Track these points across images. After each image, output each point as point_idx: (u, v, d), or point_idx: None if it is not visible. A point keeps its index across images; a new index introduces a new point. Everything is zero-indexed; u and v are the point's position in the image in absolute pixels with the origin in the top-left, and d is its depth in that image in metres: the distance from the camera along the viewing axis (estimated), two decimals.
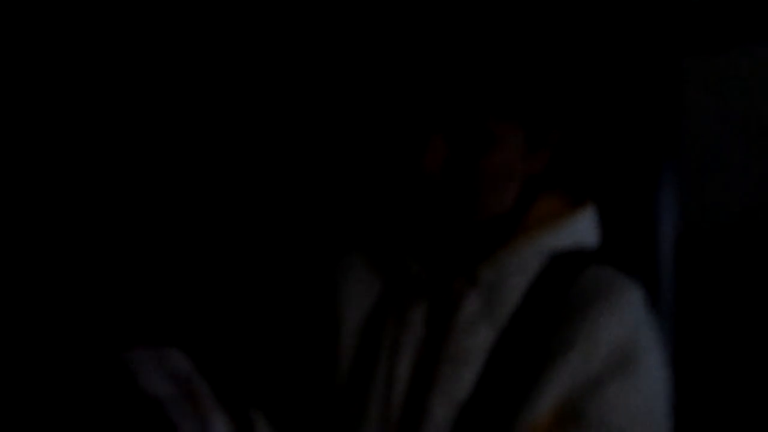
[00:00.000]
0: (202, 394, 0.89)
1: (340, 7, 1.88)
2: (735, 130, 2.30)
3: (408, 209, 0.97)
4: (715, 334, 2.26)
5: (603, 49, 1.74)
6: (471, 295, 0.93)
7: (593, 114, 1.74)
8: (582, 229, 0.97)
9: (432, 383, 0.90)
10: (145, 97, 2.00)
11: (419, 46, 0.90)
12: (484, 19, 0.90)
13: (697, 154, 2.31)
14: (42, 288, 1.95)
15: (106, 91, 1.99)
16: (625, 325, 0.89)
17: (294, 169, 1.97)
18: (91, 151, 2.00)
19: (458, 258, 0.95)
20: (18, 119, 1.97)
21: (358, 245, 1.09)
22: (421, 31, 0.92)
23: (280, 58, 1.98)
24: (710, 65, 2.29)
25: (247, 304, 1.93)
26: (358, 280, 1.04)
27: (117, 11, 1.98)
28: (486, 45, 0.88)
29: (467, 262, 0.94)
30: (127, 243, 1.99)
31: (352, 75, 1.87)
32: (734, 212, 2.30)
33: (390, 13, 1.74)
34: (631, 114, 1.76)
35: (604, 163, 1.77)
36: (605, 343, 0.87)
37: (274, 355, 1.17)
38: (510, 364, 0.89)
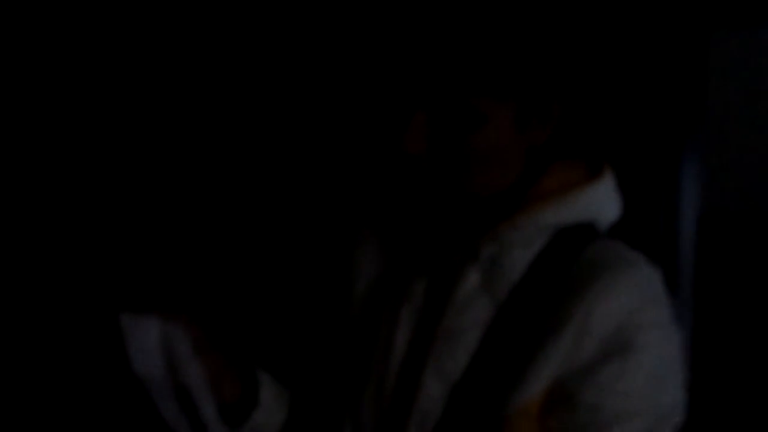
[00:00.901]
0: (194, 375, 0.88)
1: None
2: (761, 108, 2.26)
3: (401, 189, 0.95)
4: (733, 317, 2.24)
5: (609, 23, 1.70)
6: (471, 269, 0.90)
7: (601, 86, 1.70)
8: (592, 202, 0.91)
9: (426, 358, 0.88)
10: (145, 97, 1.99)
11: (398, 21, 0.86)
12: None
13: (721, 132, 2.28)
14: (42, 285, 1.96)
15: (106, 91, 1.99)
16: (624, 305, 0.84)
17: (303, 154, 1.97)
18: (91, 151, 1.99)
19: (459, 232, 0.92)
20: (18, 119, 1.97)
21: (366, 222, 1.08)
22: (401, 6, 0.87)
23: (270, 47, 1.97)
24: (738, 41, 2.25)
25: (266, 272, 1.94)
26: (365, 254, 1.03)
27: (117, 11, 1.97)
28: (467, 20, 0.83)
29: (469, 237, 0.91)
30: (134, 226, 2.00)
31: (336, 54, 1.86)
32: (757, 193, 2.27)
33: None
34: (655, 90, 1.73)
35: (624, 139, 1.74)
36: (601, 324, 0.83)
37: (290, 319, 1.17)
38: (506, 341, 0.86)
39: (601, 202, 0.92)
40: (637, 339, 0.83)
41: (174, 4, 1.96)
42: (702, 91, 1.78)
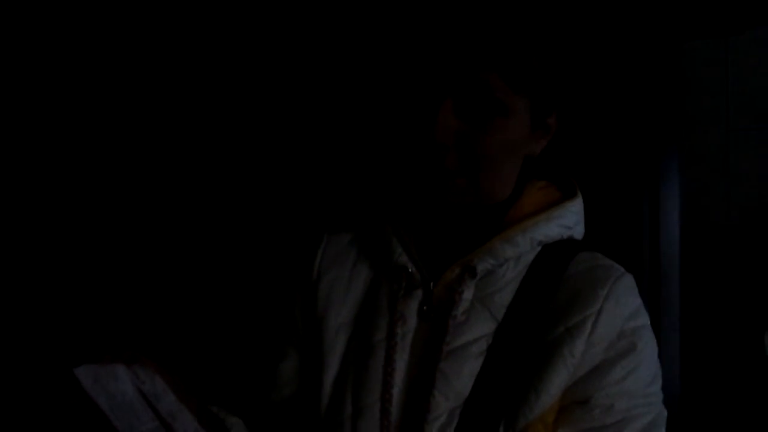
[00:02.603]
0: (189, 424, 0.82)
1: None
2: (738, 115, 2.28)
3: (410, 183, 0.93)
4: (718, 326, 2.24)
5: (605, 31, 1.71)
6: (466, 285, 0.90)
7: (591, 98, 1.71)
8: (573, 219, 0.96)
9: (433, 379, 0.87)
10: (145, 97, 1.98)
11: (429, 8, 0.88)
12: None
13: (699, 140, 2.28)
14: (31, 288, 1.92)
15: (106, 91, 1.98)
16: (624, 312, 0.89)
17: (283, 158, 1.95)
18: (91, 151, 1.98)
19: (450, 245, 0.93)
20: (18, 119, 1.96)
21: (335, 233, 1.05)
22: None
23: (281, 38, 1.96)
24: (712, 49, 2.26)
25: (229, 303, 1.91)
26: (339, 274, 1.00)
27: (117, 11, 1.97)
28: (496, 10, 0.86)
29: (459, 251, 0.92)
30: (111, 244, 1.97)
31: (360, 43, 1.85)
32: (738, 203, 2.27)
33: None
34: (633, 102, 1.73)
35: (603, 154, 1.74)
36: (608, 330, 0.88)
37: (254, 355, 1.13)
38: (512, 356, 0.87)
39: (578, 218, 0.97)
40: (637, 341, 0.88)
41: (174, 4, 1.96)
42: (680, 103, 1.79)
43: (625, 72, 1.73)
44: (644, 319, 0.91)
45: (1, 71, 1.94)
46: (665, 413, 0.91)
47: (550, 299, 0.90)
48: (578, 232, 0.97)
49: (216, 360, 1.83)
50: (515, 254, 0.91)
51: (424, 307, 0.91)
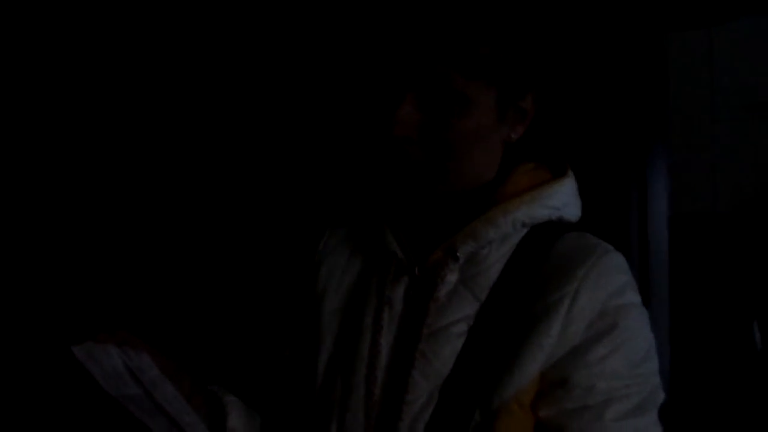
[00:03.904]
0: (170, 394, 0.88)
1: None
2: (723, 105, 2.29)
3: (385, 177, 0.95)
4: (708, 315, 2.25)
5: (589, 21, 1.71)
6: (450, 268, 0.91)
7: (577, 88, 1.72)
8: (561, 200, 0.95)
9: (413, 360, 0.88)
10: (145, 97, 1.98)
11: (381, 6, 0.89)
12: None
13: (684, 131, 2.29)
14: (31, 287, 1.92)
15: (106, 91, 1.98)
16: (606, 290, 0.87)
17: (274, 154, 1.95)
18: (91, 151, 1.98)
19: (435, 231, 0.94)
20: (18, 119, 1.96)
21: (336, 227, 1.09)
22: None
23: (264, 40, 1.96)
24: (695, 39, 2.27)
25: (230, 292, 1.92)
26: (336, 263, 1.03)
27: (117, 11, 1.96)
28: (454, 2, 0.87)
29: (444, 235, 0.93)
30: (112, 243, 1.97)
31: (322, 37, 1.86)
32: (724, 191, 2.29)
33: None
34: (617, 91, 1.74)
35: (589, 142, 1.74)
36: (587, 309, 0.86)
37: (258, 340, 1.16)
38: (491, 337, 0.88)
39: (567, 199, 0.96)
40: (620, 320, 0.86)
41: (174, 4, 1.96)
42: (664, 91, 1.79)
43: (611, 63, 1.73)
44: (631, 298, 0.89)
45: (1, 71, 1.93)
46: (660, 396, 0.89)
47: (533, 279, 0.89)
48: (570, 213, 0.96)
49: (225, 347, 1.84)
50: (498, 236, 0.91)
51: (411, 292, 0.93)
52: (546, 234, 0.92)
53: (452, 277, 0.91)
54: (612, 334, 0.85)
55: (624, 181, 1.74)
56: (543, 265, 0.89)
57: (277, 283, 1.31)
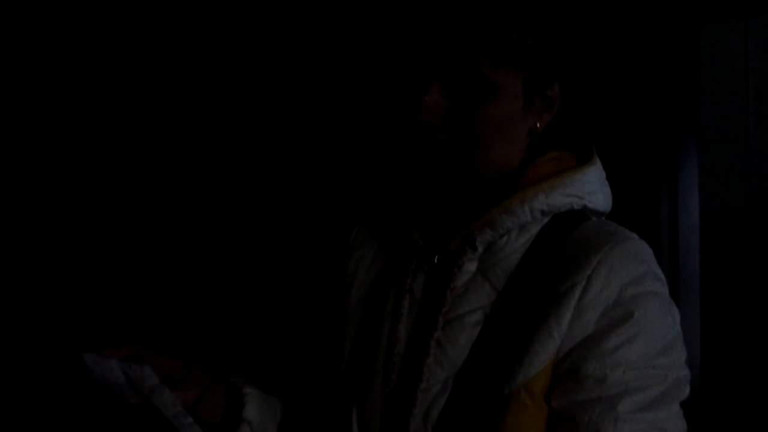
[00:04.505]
0: (168, 403, 0.89)
1: None
2: (758, 98, 2.25)
3: (408, 166, 0.94)
4: (739, 312, 2.22)
5: (623, 13, 1.69)
6: (468, 257, 0.91)
7: (601, 74, 1.69)
8: (583, 189, 0.92)
9: (428, 348, 0.88)
10: (145, 97, 1.99)
11: None
12: None
13: (719, 124, 2.26)
14: (40, 288, 1.94)
15: (108, 91, 1.99)
16: (622, 278, 0.83)
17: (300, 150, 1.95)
18: (91, 151, 1.99)
19: (456, 220, 0.93)
20: (18, 119, 1.97)
21: (366, 221, 1.10)
22: None
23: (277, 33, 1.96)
24: (730, 31, 2.23)
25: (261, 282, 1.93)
26: (364, 255, 1.04)
27: (117, 11, 1.97)
28: None
29: (464, 224, 0.92)
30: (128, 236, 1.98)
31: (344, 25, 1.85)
32: (758, 187, 2.25)
33: None
34: (649, 83, 1.71)
35: (622, 139, 1.72)
36: (601, 297, 0.83)
37: (288, 332, 1.18)
38: (507, 326, 0.86)
39: (591, 187, 0.93)
40: (636, 309, 0.83)
41: (174, 4, 1.96)
42: (696, 84, 1.77)
43: (644, 56, 1.71)
44: (650, 286, 0.85)
45: (1, 71, 1.94)
46: (684, 390, 0.85)
47: (549, 268, 0.87)
48: (596, 203, 0.93)
49: (252, 339, 1.86)
50: (515, 224, 0.89)
51: (430, 281, 0.93)
52: (567, 223, 0.90)
53: (471, 266, 0.90)
54: (627, 323, 0.82)
55: (655, 176, 1.72)
56: (560, 251, 0.87)
57: (308, 276, 1.31)
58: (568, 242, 0.88)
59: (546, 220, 0.91)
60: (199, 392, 0.94)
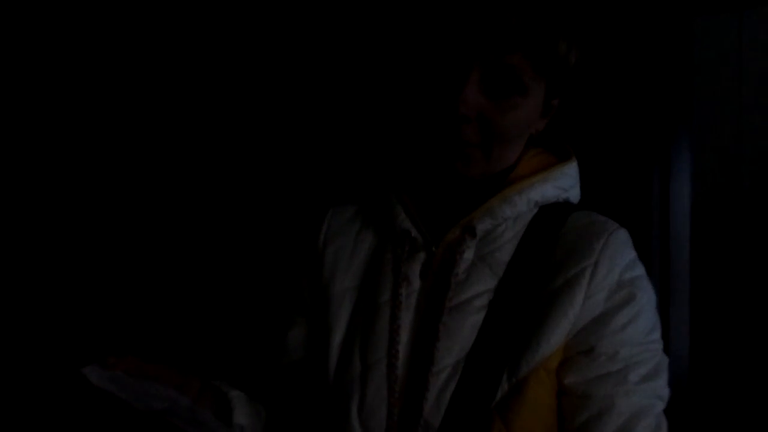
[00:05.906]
0: (170, 400, 0.89)
1: None
2: (751, 92, 2.25)
3: (430, 154, 0.96)
4: (729, 302, 2.23)
5: (616, 6, 1.70)
6: (468, 244, 0.95)
7: (603, 74, 1.71)
8: (568, 182, 1.01)
9: (437, 332, 0.91)
10: (145, 97, 1.99)
11: None
12: None
13: (709, 115, 2.27)
14: (38, 289, 1.94)
15: (106, 91, 1.99)
16: (620, 263, 0.93)
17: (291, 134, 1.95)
18: (91, 151, 1.99)
19: (451, 210, 0.97)
20: (18, 119, 1.97)
21: (340, 207, 1.10)
22: None
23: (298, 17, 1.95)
24: (723, 24, 2.24)
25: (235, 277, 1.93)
26: (343, 243, 1.05)
27: (117, 11, 1.97)
28: None
29: (460, 214, 0.97)
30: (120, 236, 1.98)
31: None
32: (750, 181, 2.26)
33: None
34: (644, 78, 1.72)
35: (614, 131, 1.73)
36: (606, 280, 0.92)
37: (263, 331, 1.17)
38: (513, 309, 0.92)
39: (572, 181, 1.01)
40: (636, 291, 0.93)
41: (174, 4, 1.96)
42: (691, 78, 1.77)
43: (637, 48, 1.72)
44: (640, 270, 0.95)
45: (1, 71, 1.94)
46: (666, 360, 0.94)
47: (549, 254, 0.94)
48: (573, 195, 1.02)
49: (227, 334, 1.85)
50: (513, 214, 0.96)
51: (428, 269, 0.96)
52: (555, 214, 0.98)
53: (469, 254, 0.95)
54: (631, 304, 0.92)
55: (647, 167, 1.73)
56: (557, 242, 0.95)
57: (281, 271, 1.30)
58: (564, 231, 0.94)
59: (535, 210, 0.98)
60: (194, 398, 0.95)
